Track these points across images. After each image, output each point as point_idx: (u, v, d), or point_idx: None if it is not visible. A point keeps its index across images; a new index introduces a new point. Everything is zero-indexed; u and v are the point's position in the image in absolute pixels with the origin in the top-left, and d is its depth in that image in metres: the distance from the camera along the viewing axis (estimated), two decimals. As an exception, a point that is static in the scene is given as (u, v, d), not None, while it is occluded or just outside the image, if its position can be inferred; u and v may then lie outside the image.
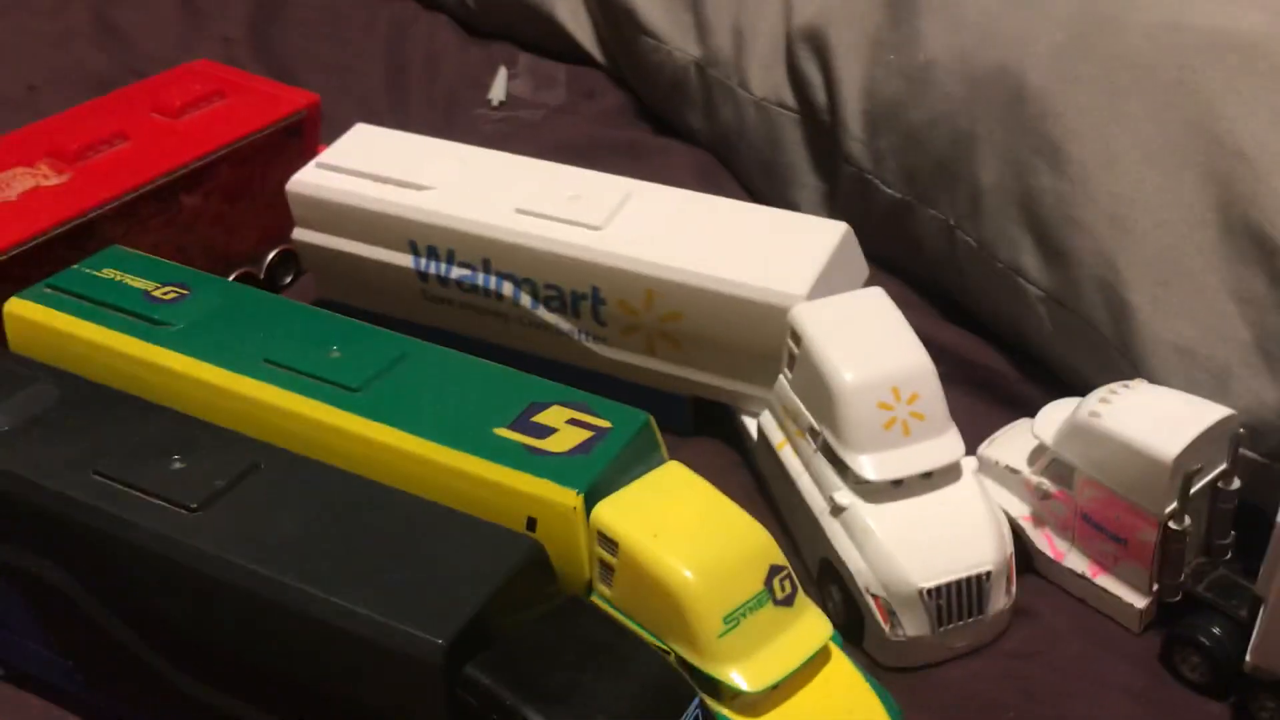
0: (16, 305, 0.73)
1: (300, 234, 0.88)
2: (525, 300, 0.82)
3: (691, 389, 0.81)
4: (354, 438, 0.65)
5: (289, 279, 0.97)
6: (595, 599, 0.62)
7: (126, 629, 0.59)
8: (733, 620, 0.58)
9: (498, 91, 1.22)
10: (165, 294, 0.73)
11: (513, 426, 0.65)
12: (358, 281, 0.87)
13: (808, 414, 0.71)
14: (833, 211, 0.98)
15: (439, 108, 1.21)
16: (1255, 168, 0.69)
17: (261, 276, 0.95)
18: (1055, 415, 0.71)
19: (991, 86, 0.81)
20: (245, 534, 0.57)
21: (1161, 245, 0.72)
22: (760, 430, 0.78)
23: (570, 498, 0.61)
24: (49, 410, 0.64)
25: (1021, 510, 0.72)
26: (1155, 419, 0.65)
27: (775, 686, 0.58)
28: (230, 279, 0.92)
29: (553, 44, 1.25)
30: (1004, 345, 0.86)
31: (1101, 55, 0.76)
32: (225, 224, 0.92)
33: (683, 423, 0.83)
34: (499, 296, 0.82)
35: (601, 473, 0.62)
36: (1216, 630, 0.64)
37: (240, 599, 0.55)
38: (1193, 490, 0.64)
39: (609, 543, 0.60)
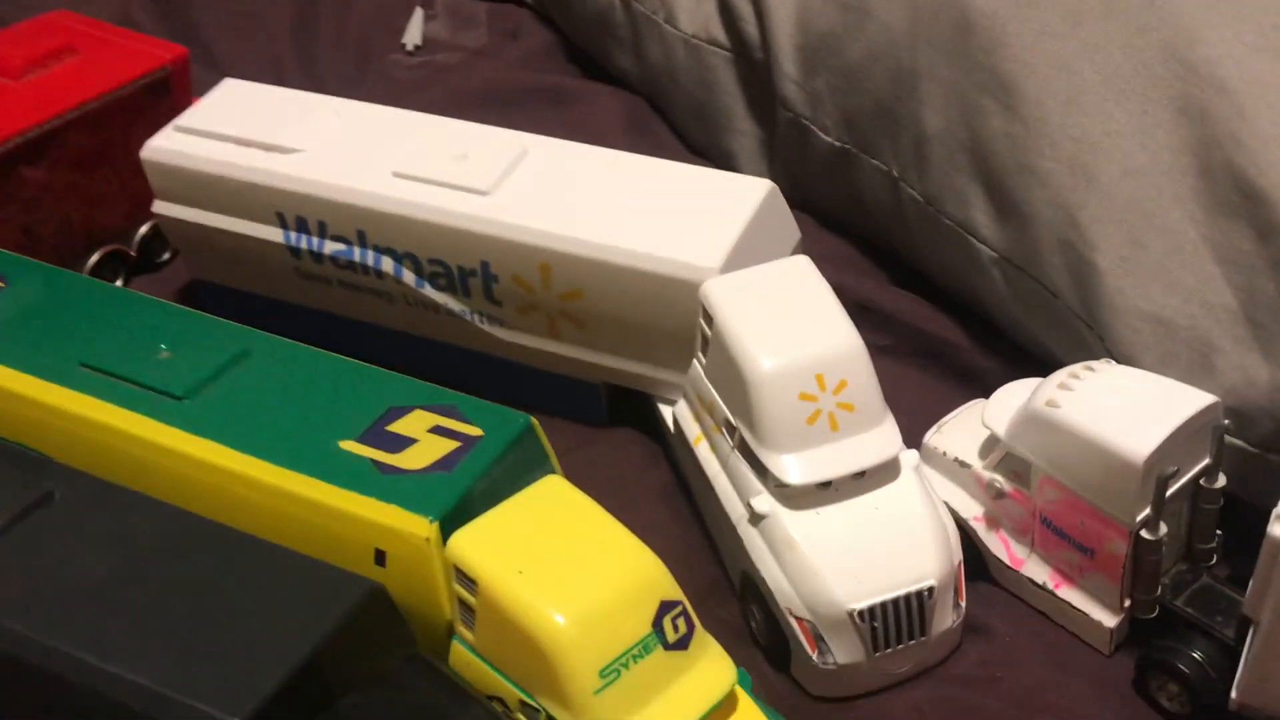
0: None
1: (161, 207, 0.78)
2: (408, 277, 0.72)
3: (601, 374, 0.72)
4: (174, 455, 0.56)
5: (166, 255, 0.88)
6: (457, 644, 0.52)
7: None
8: (612, 672, 0.49)
9: (413, 35, 1.13)
10: (-24, 286, 0.64)
11: (363, 439, 0.56)
12: (226, 259, 0.78)
13: (723, 405, 0.62)
14: (771, 161, 0.88)
15: (350, 54, 1.12)
16: (1237, 102, 0.59)
17: (133, 254, 0.86)
18: (1009, 401, 0.61)
19: (935, 14, 0.71)
20: (20, 586, 0.48)
21: (1131, 197, 0.62)
22: (675, 422, 0.68)
23: (422, 526, 0.52)
24: None
25: (973, 510, 0.63)
26: (1124, 410, 0.55)
27: (666, 748, 0.49)
28: (94, 259, 0.83)
29: (473, -20, 1.14)
30: (958, 311, 0.77)
31: (1062, -28, 0.65)
32: (83, 197, 0.82)
33: (596, 412, 0.74)
34: (378, 273, 0.73)
35: (465, 494, 0.54)
36: (1198, 654, 0.55)
37: (5, 667, 0.46)
38: (1169, 493, 0.54)
39: (467, 580, 0.51)
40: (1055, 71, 0.65)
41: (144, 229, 0.86)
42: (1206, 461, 0.56)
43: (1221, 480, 0.57)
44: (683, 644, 0.50)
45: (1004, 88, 0.67)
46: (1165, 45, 0.62)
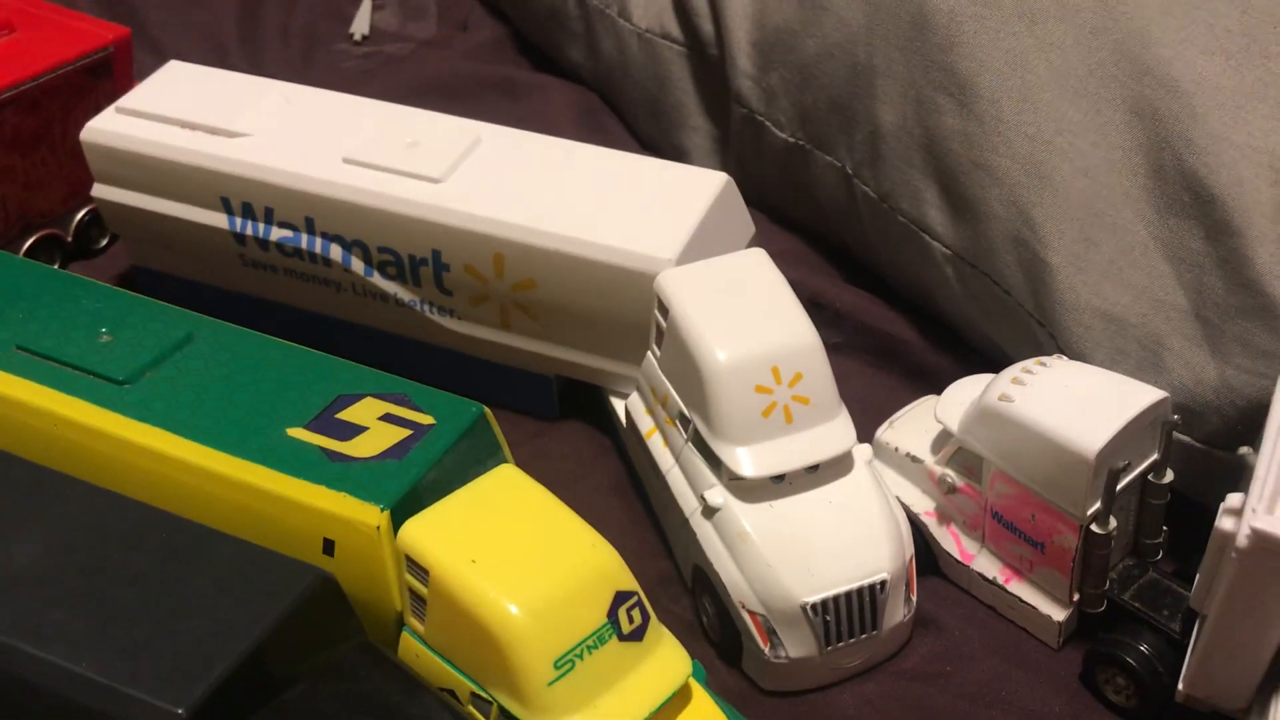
0: None
1: (101, 190, 0.76)
2: (357, 266, 0.70)
3: (553, 367, 0.71)
4: (116, 441, 0.54)
5: (104, 242, 0.86)
6: (407, 635, 0.51)
7: None
8: (567, 663, 0.48)
9: (361, 25, 1.10)
10: (-95, 267, 0.61)
11: (311, 426, 0.54)
12: (168, 245, 0.76)
13: (677, 398, 0.61)
14: (724, 157, 0.87)
15: (295, 42, 1.10)
16: (1190, 103, 0.59)
17: (69, 239, 0.83)
18: (962, 396, 0.61)
19: (893, 11, 0.71)
20: (-53, 576, 0.46)
21: (1084, 195, 0.62)
22: (628, 415, 0.67)
23: (373, 515, 0.51)
24: None
25: (925, 505, 0.63)
26: (1076, 405, 0.55)
27: (619, 740, 0.48)
28: (28, 243, 0.81)
29: (423, -30, 1.12)
30: (911, 309, 0.77)
31: (1017, -28, 0.66)
32: (19, 180, 0.80)
33: (547, 405, 0.73)
34: (326, 261, 0.71)
35: (416, 482, 0.52)
36: (1145, 648, 0.56)
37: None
38: (1119, 488, 0.54)
39: (419, 569, 0.49)
40: (1010, 70, 0.65)
41: (81, 214, 0.83)
42: (1155, 457, 0.57)
43: (1169, 475, 0.57)
44: (638, 635, 0.50)
45: (959, 85, 0.67)
46: (1118, 46, 0.63)
